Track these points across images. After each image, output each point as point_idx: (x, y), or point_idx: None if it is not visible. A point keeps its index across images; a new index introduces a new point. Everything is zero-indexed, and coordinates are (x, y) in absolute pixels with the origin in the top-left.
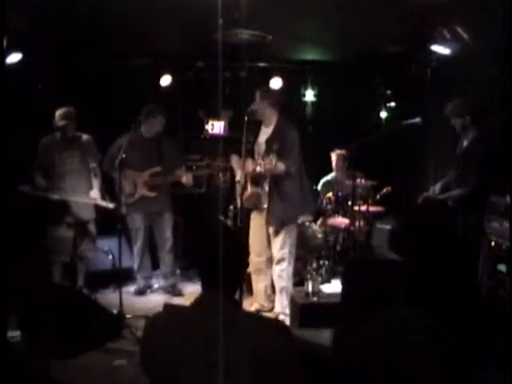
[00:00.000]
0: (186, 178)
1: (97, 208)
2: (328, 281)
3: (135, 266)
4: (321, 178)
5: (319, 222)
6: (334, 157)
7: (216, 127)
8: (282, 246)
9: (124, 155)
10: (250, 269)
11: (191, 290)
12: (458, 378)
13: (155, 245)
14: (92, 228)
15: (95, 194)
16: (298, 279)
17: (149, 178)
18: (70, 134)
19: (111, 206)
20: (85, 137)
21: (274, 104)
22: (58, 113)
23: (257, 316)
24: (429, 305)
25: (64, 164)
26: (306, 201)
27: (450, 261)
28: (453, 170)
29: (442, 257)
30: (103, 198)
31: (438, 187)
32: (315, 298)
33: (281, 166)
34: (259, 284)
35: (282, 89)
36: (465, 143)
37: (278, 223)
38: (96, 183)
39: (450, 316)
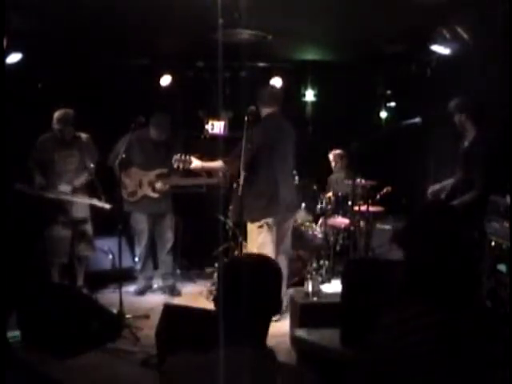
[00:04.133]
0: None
1: (96, 208)
2: (328, 281)
3: (138, 267)
4: (321, 177)
5: (319, 222)
6: (331, 157)
7: (216, 127)
8: (251, 248)
9: (124, 155)
10: None
11: (190, 290)
12: (474, 372)
13: (155, 245)
14: (88, 227)
15: (64, 187)
16: (298, 279)
17: (155, 178)
18: (67, 136)
19: (107, 206)
20: (83, 136)
21: (264, 103)
22: (55, 115)
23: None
24: (436, 300)
25: (64, 163)
26: (274, 202)
27: (456, 257)
28: (458, 170)
29: (449, 253)
30: (99, 198)
31: (447, 184)
32: (315, 298)
33: (217, 163)
34: None
35: (276, 88)
36: (466, 143)
37: (234, 219)
38: (81, 179)
39: (458, 311)
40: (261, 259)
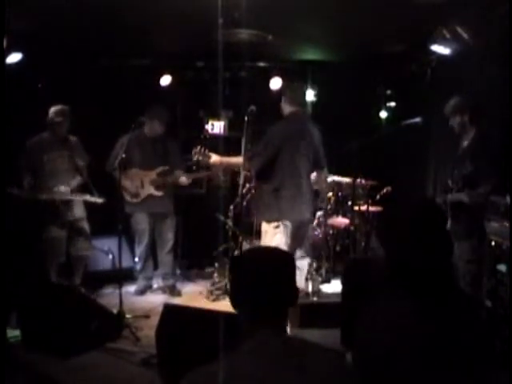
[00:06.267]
0: (186, 180)
1: (96, 207)
2: (328, 281)
3: (138, 267)
4: None
5: (319, 221)
6: None
7: (216, 127)
8: None
9: (124, 155)
10: None
11: (190, 290)
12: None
13: (155, 245)
14: (85, 227)
15: (63, 188)
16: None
17: (156, 176)
18: (63, 131)
19: (100, 200)
20: (72, 138)
21: (288, 101)
22: (54, 110)
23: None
24: (419, 293)
25: (55, 164)
26: (295, 203)
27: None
28: (457, 170)
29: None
30: (91, 193)
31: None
32: (315, 298)
33: (237, 159)
34: None
35: (302, 87)
36: (465, 143)
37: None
38: (76, 181)
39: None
40: (273, 251)
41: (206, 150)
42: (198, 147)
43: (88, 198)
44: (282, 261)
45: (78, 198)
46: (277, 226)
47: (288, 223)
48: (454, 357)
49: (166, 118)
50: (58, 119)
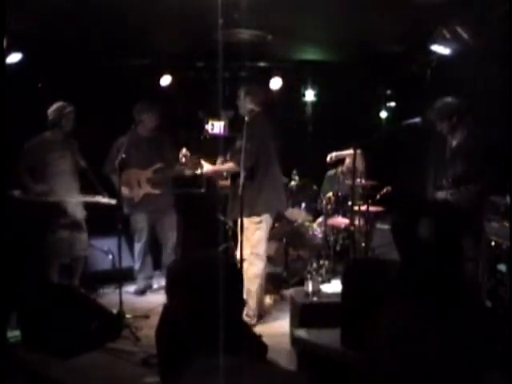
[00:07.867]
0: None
1: (96, 207)
2: (328, 281)
3: (137, 266)
4: (321, 177)
5: (319, 221)
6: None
7: (216, 127)
8: (244, 247)
9: (124, 155)
10: None
11: None
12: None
13: (156, 245)
14: (84, 227)
15: (105, 199)
16: (298, 279)
17: (152, 174)
18: (71, 125)
19: (113, 202)
20: (72, 140)
21: (254, 103)
22: (56, 106)
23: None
24: (424, 299)
25: (57, 164)
26: (275, 197)
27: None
28: (450, 169)
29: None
30: (102, 195)
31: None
32: (315, 298)
33: (229, 165)
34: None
35: (265, 89)
36: (454, 142)
37: (233, 217)
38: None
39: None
40: (220, 259)
41: (198, 159)
42: (184, 150)
43: (100, 199)
44: (233, 270)
45: (92, 200)
46: (259, 222)
47: (269, 219)
48: (453, 357)
49: (157, 109)
50: (67, 110)
